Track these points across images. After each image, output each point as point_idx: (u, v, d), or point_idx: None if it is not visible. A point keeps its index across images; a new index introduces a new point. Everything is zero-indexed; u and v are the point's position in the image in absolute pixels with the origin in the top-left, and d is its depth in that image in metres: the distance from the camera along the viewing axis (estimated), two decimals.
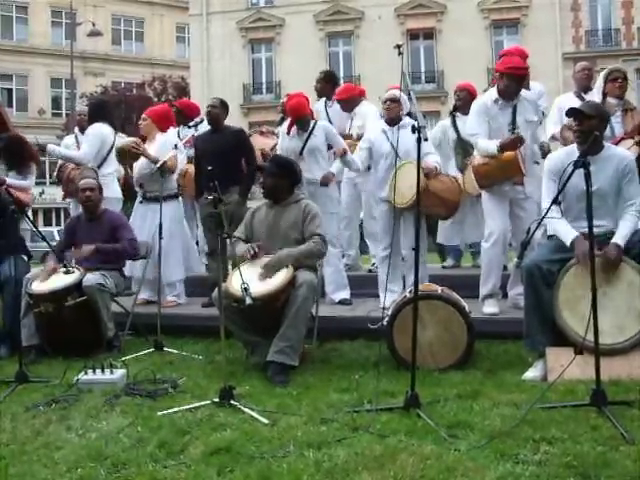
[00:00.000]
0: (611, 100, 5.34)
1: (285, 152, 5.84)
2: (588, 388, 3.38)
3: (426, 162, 5.28)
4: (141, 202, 6.25)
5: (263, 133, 7.32)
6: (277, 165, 4.74)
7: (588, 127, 3.94)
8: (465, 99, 6.44)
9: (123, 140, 6.33)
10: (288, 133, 5.98)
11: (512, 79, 4.95)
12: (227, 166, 5.58)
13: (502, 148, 4.82)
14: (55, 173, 7.32)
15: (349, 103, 6.82)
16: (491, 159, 4.93)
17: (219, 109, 6.05)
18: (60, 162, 7.01)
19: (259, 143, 6.66)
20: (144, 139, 6.32)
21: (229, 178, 5.61)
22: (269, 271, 4.34)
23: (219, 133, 6.01)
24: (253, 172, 6.02)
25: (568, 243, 4.03)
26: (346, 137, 6.59)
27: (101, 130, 6.46)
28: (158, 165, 5.63)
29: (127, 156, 6.13)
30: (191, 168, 6.49)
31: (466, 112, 6.16)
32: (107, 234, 5.36)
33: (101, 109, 6.87)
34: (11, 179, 5.89)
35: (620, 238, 3.98)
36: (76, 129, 7.38)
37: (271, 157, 5.37)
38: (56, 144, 7.35)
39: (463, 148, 6.39)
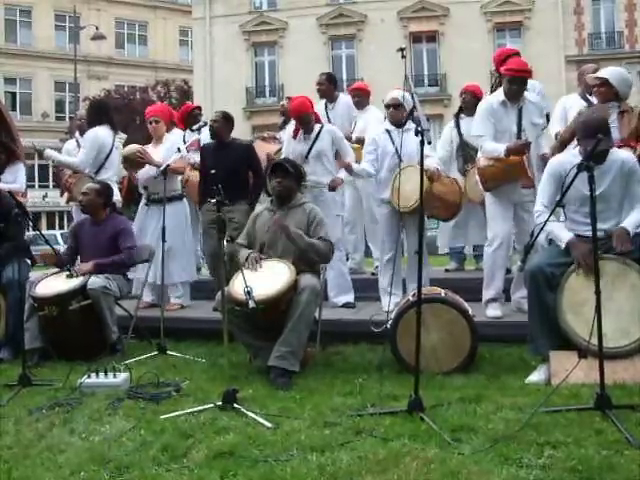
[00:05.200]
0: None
1: (291, 156, 5.84)
2: (592, 392, 3.37)
3: (428, 165, 5.27)
4: (147, 204, 6.25)
5: (265, 139, 7.34)
6: (293, 166, 4.75)
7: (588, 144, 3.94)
8: (469, 101, 6.45)
9: (128, 148, 6.29)
10: (294, 137, 5.96)
11: (513, 81, 4.97)
12: (234, 179, 5.59)
13: (509, 152, 4.82)
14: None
15: (363, 98, 6.97)
16: (497, 161, 4.93)
17: (220, 123, 6.00)
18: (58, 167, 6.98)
19: (262, 149, 6.67)
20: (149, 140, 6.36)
21: (237, 191, 5.62)
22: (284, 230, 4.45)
23: (225, 147, 5.98)
24: (261, 184, 6.03)
25: (562, 245, 4.03)
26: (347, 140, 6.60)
27: (98, 135, 6.35)
28: (162, 168, 5.63)
29: (132, 164, 6.12)
30: (193, 175, 6.50)
31: (470, 114, 6.20)
32: (110, 239, 5.36)
33: (100, 110, 6.74)
34: (1, 184, 5.88)
35: (629, 224, 3.97)
36: (77, 133, 7.36)
37: (283, 159, 5.34)
38: (59, 147, 7.35)
39: (465, 152, 6.38)
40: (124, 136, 6.84)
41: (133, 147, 6.24)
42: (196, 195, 6.27)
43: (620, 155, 4.18)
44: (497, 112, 5.03)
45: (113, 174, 6.47)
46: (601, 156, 3.97)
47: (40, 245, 7.45)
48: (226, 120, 6.06)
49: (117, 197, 6.56)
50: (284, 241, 4.55)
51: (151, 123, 6.36)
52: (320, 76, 7.13)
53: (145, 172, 6.18)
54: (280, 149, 6.64)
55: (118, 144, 6.55)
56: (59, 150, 7.41)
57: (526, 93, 5.11)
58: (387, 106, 5.60)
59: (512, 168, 4.89)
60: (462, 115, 6.57)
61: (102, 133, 6.39)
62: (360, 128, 6.68)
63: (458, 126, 6.57)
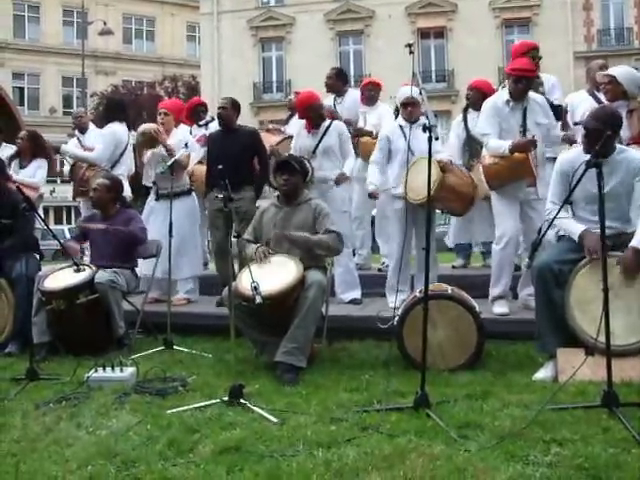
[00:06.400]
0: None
1: (299, 151, 5.83)
2: (599, 389, 3.35)
3: (440, 156, 5.29)
4: (156, 200, 6.27)
5: (269, 130, 7.33)
6: (299, 163, 4.75)
7: (595, 139, 3.90)
8: (475, 98, 6.44)
9: (146, 125, 6.32)
10: (309, 131, 5.93)
11: (518, 80, 4.96)
12: (241, 166, 5.61)
13: (514, 149, 4.80)
14: (67, 171, 7.36)
15: (377, 93, 6.95)
16: (501, 159, 4.92)
17: (230, 110, 6.00)
18: (72, 162, 7.02)
19: (265, 141, 6.66)
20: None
21: (243, 177, 5.64)
22: (282, 242, 4.45)
23: (232, 133, 5.98)
24: (266, 171, 6.03)
25: (576, 237, 4.02)
26: (365, 134, 6.57)
27: (116, 131, 6.50)
28: (169, 163, 5.64)
29: (147, 142, 6.11)
30: (199, 168, 6.50)
31: (477, 109, 6.17)
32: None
33: (118, 108, 6.89)
34: (20, 176, 5.96)
35: (638, 242, 3.93)
36: (76, 131, 7.37)
37: (289, 156, 5.34)
38: (66, 143, 7.37)
39: (471, 147, 6.38)
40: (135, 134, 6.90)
41: (150, 125, 6.27)
42: (203, 187, 6.28)
43: (629, 154, 4.14)
44: (502, 111, 5.03)
45: (126, 169, 6.57)
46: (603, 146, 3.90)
47: (49, 240, 7.51)
48: (233, 106, 6.06)
49: (128, 193, 6.62)
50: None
51: (160, 114, 6.37)
52: (330, 70, 7.15)
53: (153, 163, 6.17)
54: (283, 140, 6.63)
55: (132, 141, 6.62)
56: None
57: (531, 93, 5.10)
58: (404, 105, 5.55)
59: (517, 166, 4.87)
60: (470, 110, 6.55)
61: (119, 130, 6.53)
62: (373, 123, 6.65)
63: (465, 121, 6.55)
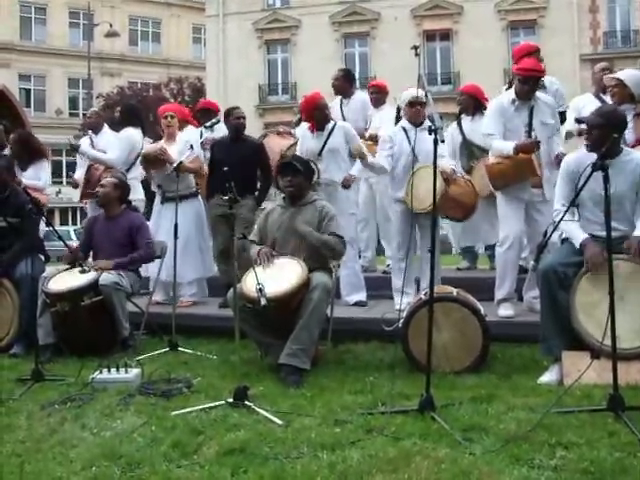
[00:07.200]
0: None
1: (305, 153, 5.83)
2: (605, 393, 3.34)
3: (443, 167, 5.24)
4: (162, 202, 6.27)
5: (280, 133, 7.32)
6: (302, 164, 4.75)
7: (598, 136, 3.89)
8: (466, 102, 6.54)
9: (149, 147, 6.37)
10: (313, 133, 5.93)
11: (525, 81, 4.95)
12: (244, 175, 5.63)
13: (518, 150, 4.80)
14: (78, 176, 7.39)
15: (381, 95, 6.98)
16: (505, 159, 4.92)
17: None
18: (89, 163, 7.03)
19: (276, 143, 6.67)
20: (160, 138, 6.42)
21: (245, 186, 5.66)
22: (290, 237, 4.50)
23: (239, 143, 6.04)
24: (269, 183, 6.07)
25: (577, 245, 4.01)
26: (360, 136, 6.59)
27: (132, 135, 6.64)
28: (174, 166, 5.65)
29: (152, 163, 6.14)
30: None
31: (469, 114, 6.39)
32: (124, 234, 5.36)
33: (134, 114, 7.06)
34: (26, 180, 5.97)
35: None
36: (90, 131, 7.40)
37: (292, 156, 5.33)
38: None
39: (468, 150, 6.39)
40: (150, 140, 6.95)
41: (154, 146, 6.30)
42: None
43: (635, 155, 4.12)
44: (508, 111, 5.02)
45: (140, 173, 6.66)
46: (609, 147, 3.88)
47: (53, 241, 7.55)
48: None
49: (141, 196, 6.66)
50: (296, 239, 4.55)
51: (166, 118, 6.39)
52: (337, 72, 7.16)
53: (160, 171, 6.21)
54: (293, 144, 6.64)
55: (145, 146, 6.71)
56: None
57: (538, 93, 5.09)
58: (411, 104, 5.52)
59: (521, 165, 4.86)
60: (462, 115, 6.60)
61: (134, 134, 6.66)
62: (375, 126, 6.67)
63: (460, 126, 6.57)
